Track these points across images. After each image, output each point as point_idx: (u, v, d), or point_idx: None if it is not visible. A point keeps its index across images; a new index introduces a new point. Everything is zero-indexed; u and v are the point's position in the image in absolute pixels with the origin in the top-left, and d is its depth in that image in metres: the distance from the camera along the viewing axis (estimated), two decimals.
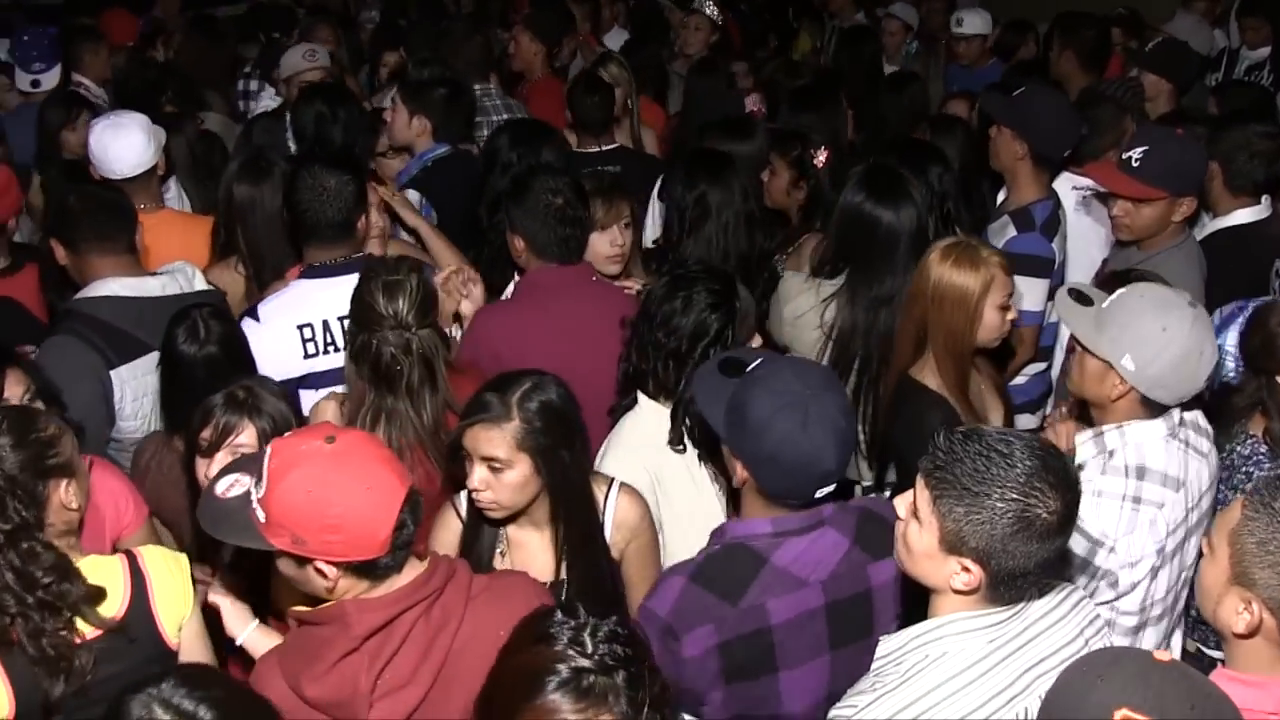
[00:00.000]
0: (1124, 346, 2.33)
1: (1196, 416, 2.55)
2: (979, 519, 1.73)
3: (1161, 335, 2.29)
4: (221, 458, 2.38)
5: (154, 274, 3.22)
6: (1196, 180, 3.45)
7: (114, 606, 2.14)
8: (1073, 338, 2.56)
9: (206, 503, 1.96)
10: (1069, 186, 4.09)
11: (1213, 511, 2.53)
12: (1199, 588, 1.87)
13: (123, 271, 3.16)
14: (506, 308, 3.27)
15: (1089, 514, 2.31)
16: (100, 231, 3.17)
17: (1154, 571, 2.39)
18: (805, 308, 3.32)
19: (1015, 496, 1.71)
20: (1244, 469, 2.67)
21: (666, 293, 2.67)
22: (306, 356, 3.13)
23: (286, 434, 1.90)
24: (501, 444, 2.25)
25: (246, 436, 2.41)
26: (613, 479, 2.53)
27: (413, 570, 1.93)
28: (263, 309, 3.16)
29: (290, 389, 3.02)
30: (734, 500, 2.42)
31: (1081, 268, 4.02)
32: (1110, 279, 3.03)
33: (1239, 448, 2.70)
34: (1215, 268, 3.58)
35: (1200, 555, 1.94)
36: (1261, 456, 2.67)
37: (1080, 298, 2.49)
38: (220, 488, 1.93)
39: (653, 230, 4.22)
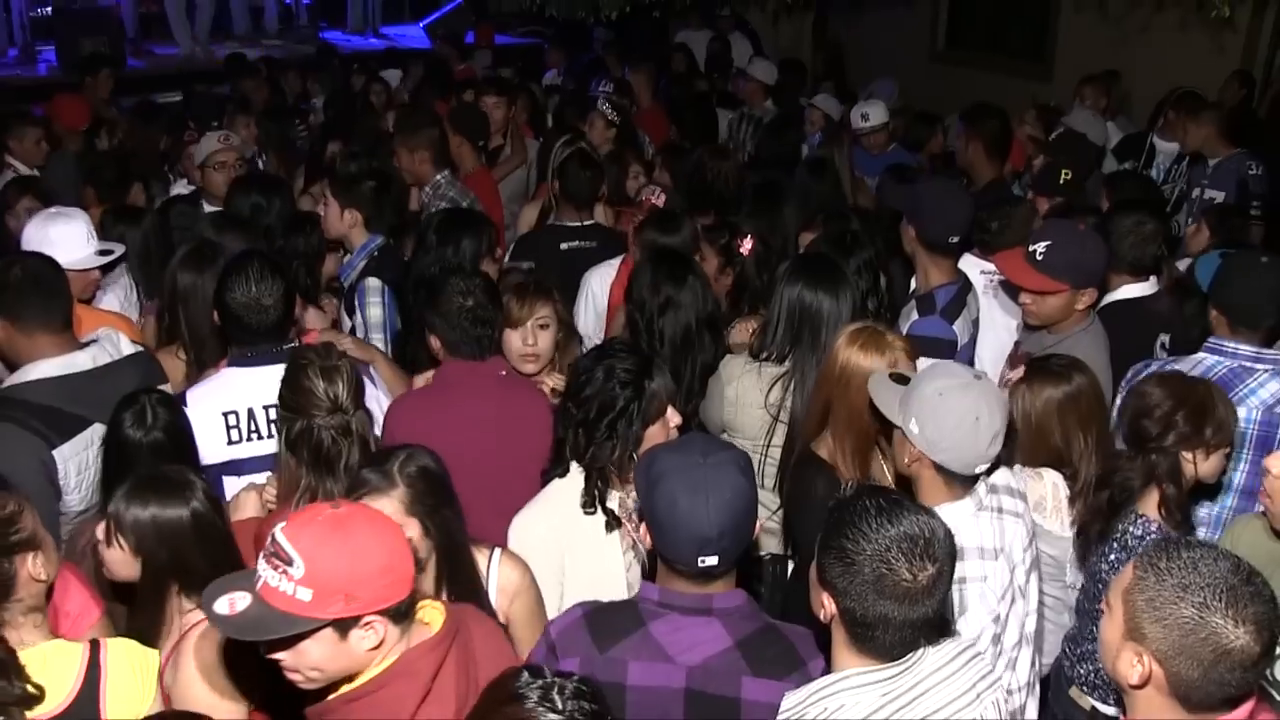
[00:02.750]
0: (910, 412, 2.49)
1: (1007, 478, 2.67)
2: (842, 564, 1.96)
3: (937, 399, 2.45)
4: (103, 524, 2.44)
5: (82, 345, 3.24)
6: (1097, 273, 3.63)
7: (56, 700, 2.12)
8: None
9: (223, 623, 1.92)
10: (978, 270, 4.29)
11: (1037, 562, 2.70)
12: (1100, 644, 1.99)
13: (57, 347, 3.18)
14: (416, 399, 3.35)
15: None
16: (44, 305, 3.18)
17: (995, 637, 2.51)
18: (749, 389, 3.42)
19: (875, 554, 1.93)
20: (1139, 550, 2.78)
21: (589, 364, 2.81)
22: (230, 443, 3.18)
23: (288, 523, 1.94)
24: (391, 511, 2.29)
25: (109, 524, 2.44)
26: (494, 547, 2.62)
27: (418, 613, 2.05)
28: (190, 394, 3.22)
29: (214, 475, 3.13)
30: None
31: (991, 348, 4.20)
32: (1030, 363, 3.24)
33: (1131, 528, 2.80)
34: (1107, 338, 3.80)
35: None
36: (1153, 534, 2.75)
37: (899, 380, 2.65)
38: (222, 609, 1.91)
39: (582, 320, 4.39)
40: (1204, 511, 3.32)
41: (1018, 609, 2.59)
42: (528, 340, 3.48)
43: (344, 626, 1.90)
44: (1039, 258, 3.52)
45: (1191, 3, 7.15)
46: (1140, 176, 6.19)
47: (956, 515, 2.47)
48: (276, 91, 8.74)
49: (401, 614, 1.97)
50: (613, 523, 2.76)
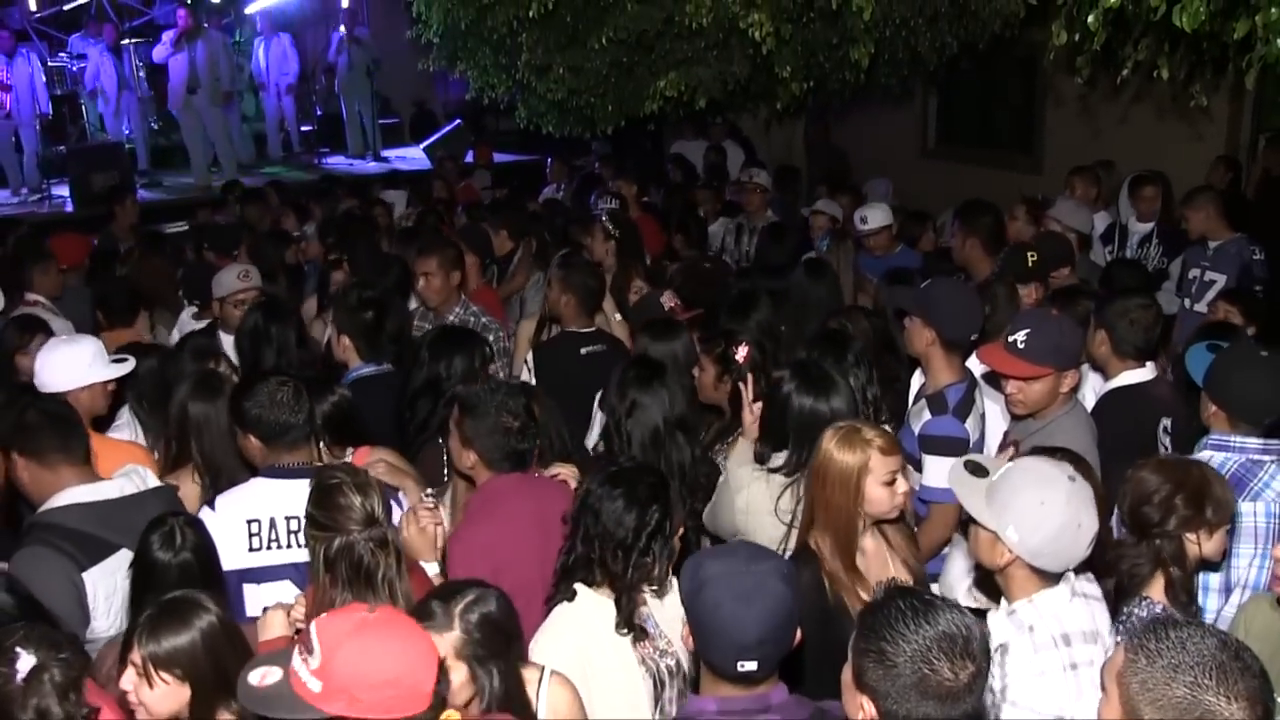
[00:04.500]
0: (1007, 519, 2.48)
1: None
2: (882, 667, 1.98)
3: (1039, 509, 2.45)
4: (129, 670, 2.46)
5: (109, 478, 3.35)
6: (1077, 354, 3.74)
7: None
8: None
9: (247, 691, 2.09)
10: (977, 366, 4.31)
11: None
12: None
13: (81, 478, 3.29)
14: (483, 526, 3.35)
15: (1040, 696, 2.47)
16: (63, 441, 3.30)
17: None
18: (759, 496, 3.44)
19: (916, 655, 1.95)
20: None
21: (607, 489, 2.85)
22: (251, 550, 3.28)
23: (326, 615, 2.08)
24: (443, 650, 2.35)
25: (136, 654, 2.46)
26: (544, 667, 2.64)
27: None
28: (220, 500, 3.35)
29: (234, 580, 3.22)
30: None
31: (995, 441, 4.20)
32: (1032, 454, 3.23)
33: (1137, 610, 2.81)
34: (1108, 426, 3.85)
35: None
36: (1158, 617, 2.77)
37: (975, 469, 2.63)
38: (254, 678, 2.07)
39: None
40: (1223, 611, 3.29)
41: None
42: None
43: None
44: (1020, 346, 3.60)
45: (1166, 94, 7.39)
46: (1133, 263, 6.34)
47: (1057, 600, 2.53)
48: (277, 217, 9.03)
49: None
50: (640, 635, 2.83)
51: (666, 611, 2.92)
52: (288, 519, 3.28)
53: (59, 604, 2.97)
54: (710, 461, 3.97)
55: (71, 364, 3.96)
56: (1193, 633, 1.87)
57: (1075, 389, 3.79)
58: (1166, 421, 4.06)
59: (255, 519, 3.30)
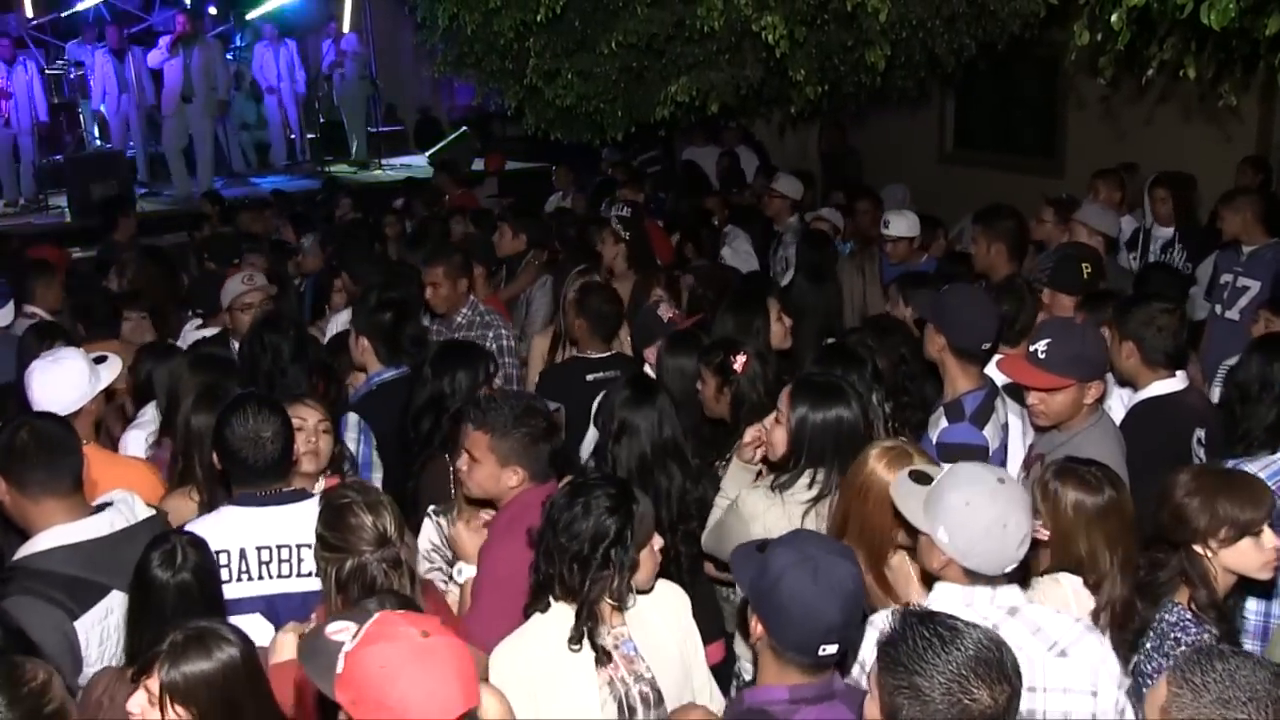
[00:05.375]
0: (938, 520, 2.57)
1: (1046, 619, 2.63)
2: (918, 702, 1.96)
3: (965, 509, 2.53)
4: (138, 694, 2.42)
5: (97, 508, 3.23)
6: (1100, 365, 3.70)
7: None
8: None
9: (317, 633, 2.16)
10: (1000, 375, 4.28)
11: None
12: None
13: (67, 512, 3.16)
14: (521, 540, 3.20)
15: None
16: (48, 471, 3.17)
17: None
18: (776, 523, 3.34)
19: (951, 685, 1.95)
20: (1172, 635, 2.80)
21: (567, 501, 2.83)
22: (221, 582, 3.14)
23: (390, 614, 2.10)
24: None
25: (153, 682, 2.40)
26: None
27: None
28: (188, 529, 3.18)
29: None
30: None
31: (1018, 453, 4.19)
32: (1064, 464, 3.19)
33: (1166, 615, 2.83)
34: (1139, 439, 3.83)
35: None
36: (1187, 623, 2.78)
37: (920, 478, 2.72)
38: (333, 628, 2.15)
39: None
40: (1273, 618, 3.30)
41: None
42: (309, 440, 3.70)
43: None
44: (1041, 356, 3.61)
45: (1193, 94, 7.39)
46: (1169, 268, 6.31)
47: (949, 599, 2.57)
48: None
49: None
50: (603, 658, 2.79)
51: (651, 636, 2.89)
52: (259, 549, 3.23)
53: (52, 656, 2.78)
54: (714, 480, 3.87)
55: (74, 380, 3.89)
56: (1241, 664, 1.85)
57: (1101, 400, 3.78)
58: (1200, 432, 4.03)
59: (224, 550, 3.19)
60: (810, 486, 3.41)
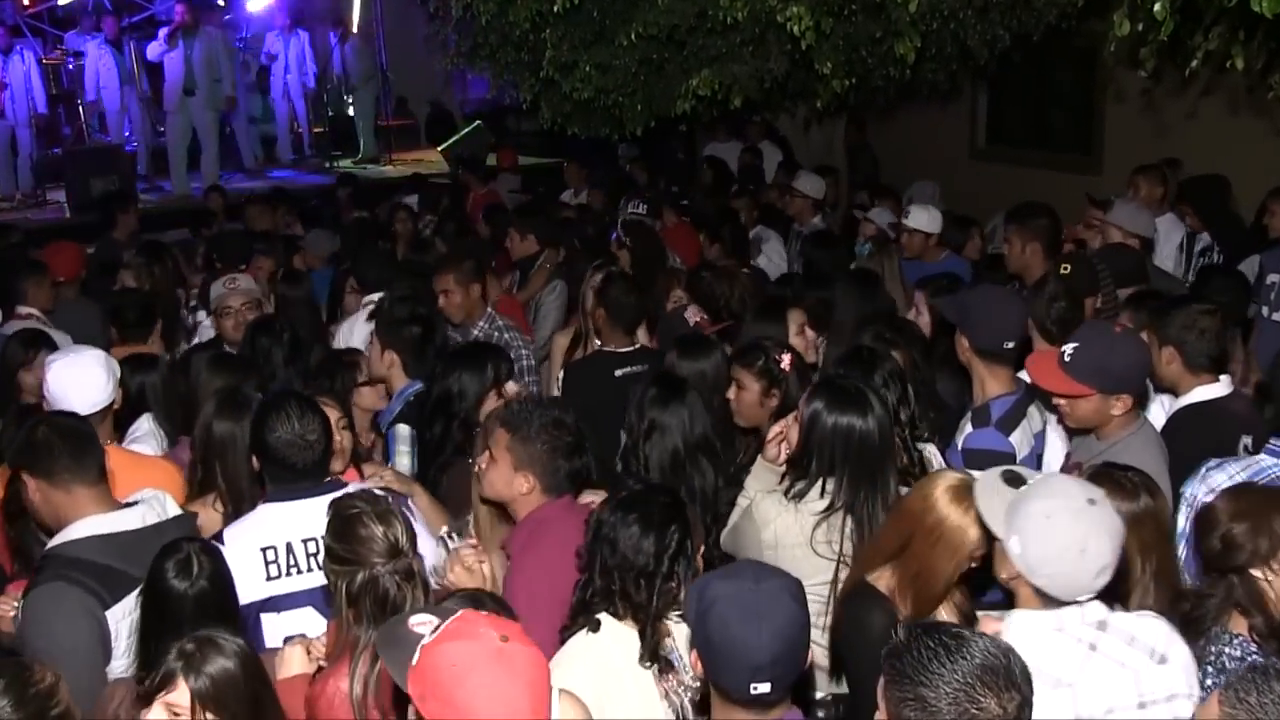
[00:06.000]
0: (1014, 529, 2.47)
1: (1131, 624, 2.54)
2: (925, 714, 1.94)
3: (1044, 522, 2.42)
4: (156, 710, 2.42)
5: (129, 504, 3.30)
6: (1128, 379, 3.57)
7: None
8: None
9: (398, 622, 2.20)
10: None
11: None
12: None
13: (97, 503, 3.24)
14: (542, 555, 3.27)
15: None
16: (75, 460, 3.24)
17: None
18: (788, 530, 3.35)
19: (959, 694, 1.92)
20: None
21: (620, 516, 2.82)
22: (269, 579, 3.25)
23: (472, 614, 2.14)
24: None
25: (178, 695, 2.42)
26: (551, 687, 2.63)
27: None
28: (228, 533, 3.32)
29: (253, 612, 3.19)
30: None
31: (1055, 462, 4.11)
32: (1101, 469, 3.13)
33: (1227, 649, 2.73)
34: (1182, 446, 3.75)
35: None
36: (1255, 655, 2.68)
37: (1012, 479, 2.61)
38: (415, 620, 2.19)
39: None
40: None
41: None
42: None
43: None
44: (1066, 359, 3.55)
45: (1240, 87, 7.27)
46: (1230, 271, 6.15)
47: (1035, 628, 2.46)
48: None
49: None
50: (666, 668, 2.80)
51: (682, 644, 2.87)
52: (304, 541, 3.27)
53: (82, 644, 2.96)
54: (740, 485, 3.84)
55: (95, 381, 3.90)
56: None
57: (1139, 407, 3.68)
58: (1247, 440, 3.93)
59: (270, 546, 3.27)
60: (822, 497, 3.36)
